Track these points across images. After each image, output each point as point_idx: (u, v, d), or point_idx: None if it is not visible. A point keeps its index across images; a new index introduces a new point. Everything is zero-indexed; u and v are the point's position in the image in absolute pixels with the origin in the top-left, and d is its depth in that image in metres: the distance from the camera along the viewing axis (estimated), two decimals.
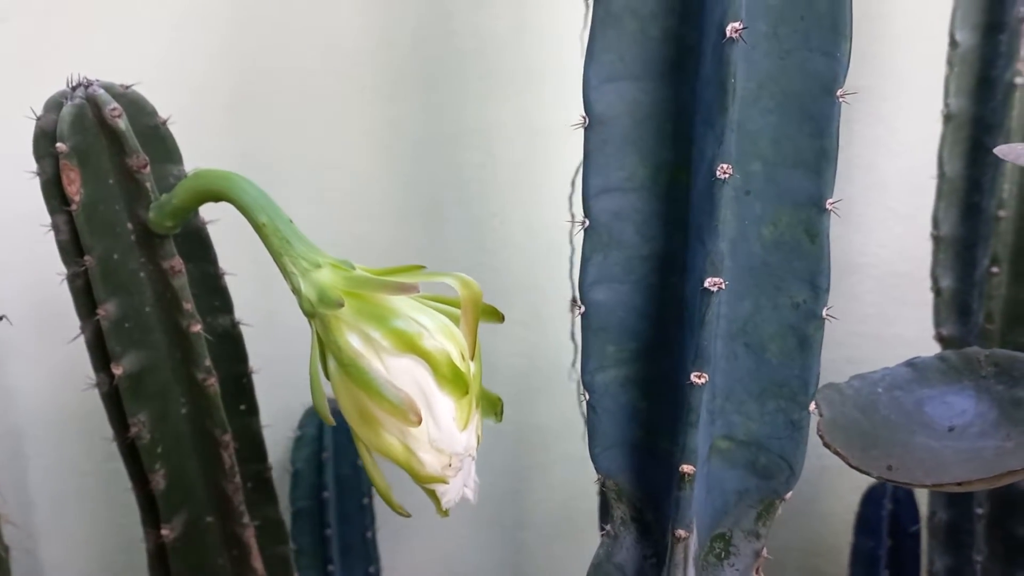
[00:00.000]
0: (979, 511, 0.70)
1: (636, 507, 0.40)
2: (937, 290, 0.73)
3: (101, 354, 0.55)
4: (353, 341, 0.42)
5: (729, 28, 0.31)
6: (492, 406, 0.46)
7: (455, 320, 0.44)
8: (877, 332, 1.00)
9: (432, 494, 0.44)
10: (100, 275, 0.52)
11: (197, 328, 0.55)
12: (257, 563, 0.64)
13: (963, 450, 0.39)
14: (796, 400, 0.37)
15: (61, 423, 0.89)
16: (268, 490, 0.65)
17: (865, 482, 0.85)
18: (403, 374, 0.41)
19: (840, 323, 0.99)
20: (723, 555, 0.40)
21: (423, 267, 0.46)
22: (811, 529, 1.04)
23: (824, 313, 0.37)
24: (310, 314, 0.45)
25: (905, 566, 0.80)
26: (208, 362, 0.56)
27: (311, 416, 0.90)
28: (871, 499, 0.82)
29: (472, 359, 0.44)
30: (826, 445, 0.40)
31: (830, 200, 0.35)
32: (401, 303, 0.43)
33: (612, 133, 0.36)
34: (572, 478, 1.05)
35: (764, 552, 0.40)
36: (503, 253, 0.99)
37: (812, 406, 0.37)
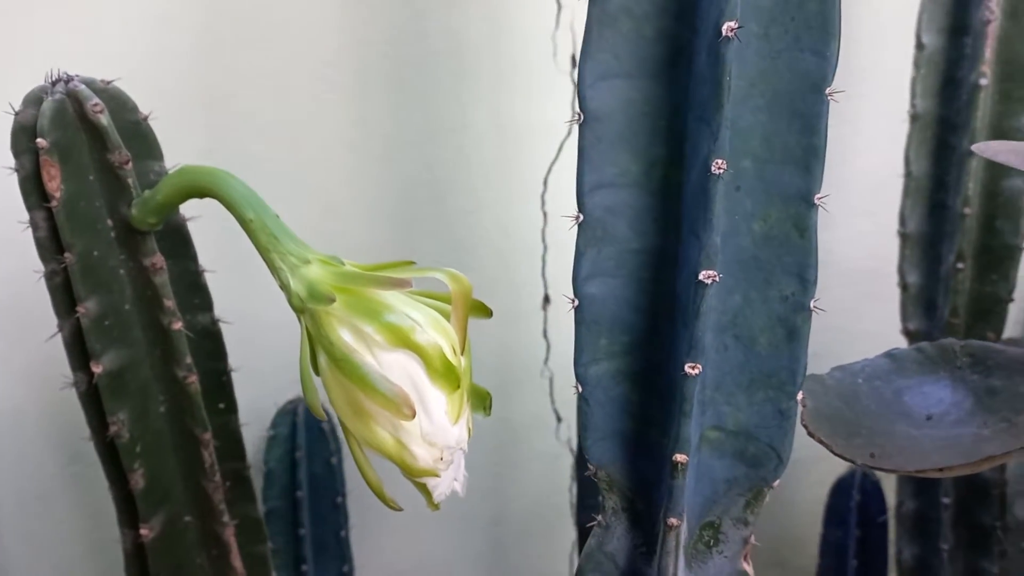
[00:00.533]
0: (946, 500, 0.73)
1: (627, 497, 0.41)
2: (904, 286, 0.75)
3: (80, 353, 0.54)
4: (345, 336, 0.43)
5: (725, 27, 0.32)
6: (481, 400, 0.47)
7: (443, 315, 0.45)
8: (843, 326, 1.02)
9: (423, 488, 0.44)
10: (80, 272, 0.52)
11: (178, 325, 0.55)
12: (237, 562, 0.64)
13: (941, 438, 0.41)
14: (784, 390, 0.38)
15: (24, 425, 0.88)
16: (247, 489, 0.65)
17: (833, 474, 0.87)
18: (396, 368, 0.42)
19: None
20: (712, 543, 0.40)
21: (413, 263, 0.46)
22: (779, 521, 1.05)
23: (812, 305, 0.38)
24: (299, 310, 0.45)
25: (873, 555, 0.82)
26: (189, 360, 0.56)
27: (284, 415, 0.89)
28: (840, 490, 0.83)
29: (462, 353, 0.44)
30: (810, 434, 0.42)
31: (818, 195, 0.36)
32: (392, 298, 0.43)
33: (606, 130, 0.36)
34: (545, 474, 1.05)
35: (752, 539, 0.41)
36: (477, 251, 0.99)
37: (800, 395, 0.38)
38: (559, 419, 1.03)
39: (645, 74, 0.36)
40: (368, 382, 0.41)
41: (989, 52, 0.68)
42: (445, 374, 0.42)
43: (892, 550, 0.80)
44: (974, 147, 0.41)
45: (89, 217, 0.52)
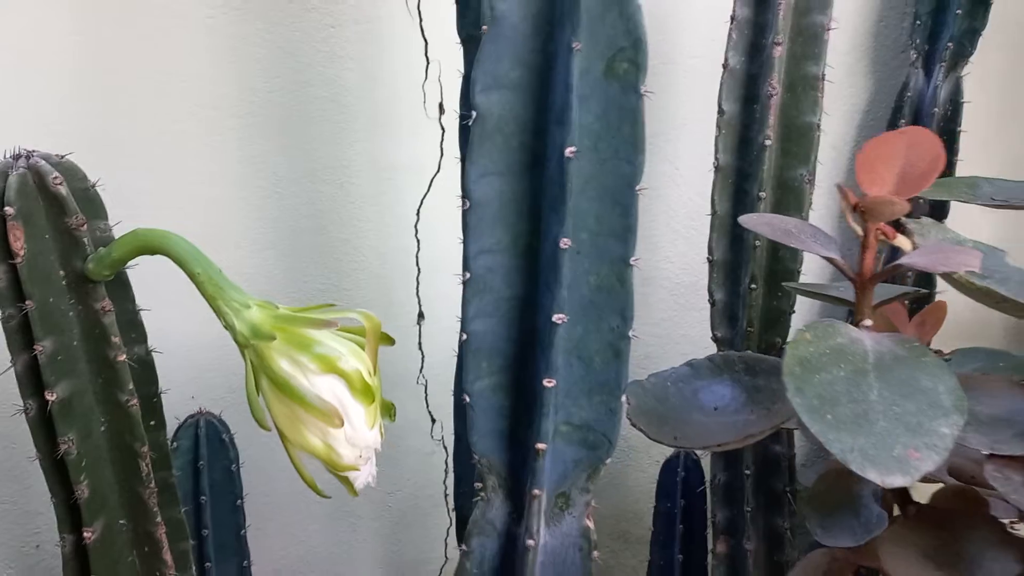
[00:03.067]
0: (747, 472, 0.90)
1: (503, 477, 0.55)
2: (712, 302, 0.92)
3: (32, 383, 0.63)
4: (284, 365, 0.55)
5: (568, 150, 0.47)
6: (387, 410, 0.60)
7: (358, 345, 0.58)
8: (668, 333, 1.20)
9: (345, 480, 0.57)
10: (39, 317, 0.61)
11: (123, 357, 0.65)
12: (167, 556, 0.73)
13: (724, 423, 0.57)
14: (613, 394, 0.53)
15: None
16: (172, 493, 0.75)
17: (662, 456, 1.04)
18: (326, 389, 0.54)
19: (639, 328, 1.18)
20: (564, 507, 0.55)
21: (334, 305, 0.59)
22: (620, 499, 1.22)
23: (631, 333, 0.53)
24: (244, 345, 0.57)
25: (695, 521, 0.99)
26: (131, 386, 0.66)
27: (186, 429, 0.97)
28: (668, 468, 0.99)
29: (374, 375, 0.57)
30: (633, 424, 0.57)
31: (633, 258, 0.52)
32: (319, 334, 0.56)
33: (485, 213, 0.51)
34: (421, 469, 1.17)
35: (592, 502, 0.56)
36: (356, 275, 1.10)
37: (624, 398, 0.53)
38: (433, 420, 1.15)
39: (512, 172, 0.50)
40: (306, 400, 0.53)
41: (772, 118, 0.86)
42: (364, 392, 0.55)
43: (709, 515, 0.98)
44: (740, 220, 0.57)
45: (46, 270, 0.61)
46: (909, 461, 0.42)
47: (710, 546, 0.99)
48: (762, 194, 0.86)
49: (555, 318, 0.50)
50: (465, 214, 0.50)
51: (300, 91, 1.03)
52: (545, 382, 0.50)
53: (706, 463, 0.99)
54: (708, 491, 0.96)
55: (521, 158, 0.50)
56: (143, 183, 0.96)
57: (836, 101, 1.17)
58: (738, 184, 0.90)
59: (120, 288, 0.67)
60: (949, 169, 1.11)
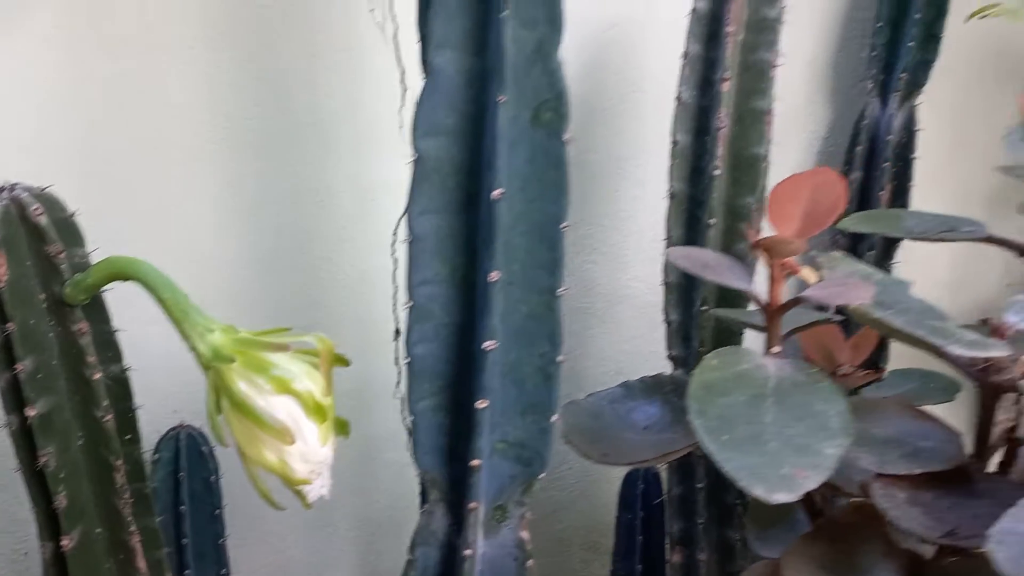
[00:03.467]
0: (700, 486, 0.95)
1: (444, 490, 0.60)
2: (668, 322, 0.97)
3: (14, 400, 0.68)
4: (242, 385, 0.59)
5: (495, 192, 0.52)
6: (341, 428, 0.64)
7: (313, 366, 0.62)
8: (638, 350, 1.24)
9: (299, 493, 0.62)
10: (20, 337, 0.65)
11: (98, 376, 0.69)
12: (141, 563, 0.78)
13: (652, 440, 0.61)
14: (545, 415, 0.58)
15: None
16: (147, 504, 0.79)
17: (625, 469, 1.09)
18: (281, 408, 0.59)
19: (608, 344, 1.22)
20: (501, 519, 0.60)
21: (290, 328, 0.63)
22: (591, 511, 1.26)
23: (559, 359, 0.58)
24: (206, 367, 0.61)
25: (654, 532, 1.03)
26: (107, 402, 0.70)
27: (167, 442, 1.01)
28: (629, 481, 1.03)
29: (328, 395, 0.62)
30: (567, 442, 0.62)
31: (560, 289, 0.56)
32: (276, 357, 0.60)
33: (425, 246, 0.55)
34: (396, 482, 1.21)
35: (527, 514, 0.60)
36: (335, 292, 1.14)
37: (555, 418, 0.58)
38: (409, 434, 1.19)
39: (449, 211, 0.55)
40: (261, 419, 0.58)
41: (721, 149, 0.91)
42: (316, 411, 0.59)
43: (666, 527, 1.02)
44: (665, 253, 0.62)
45: (27, 293, 0.66)
46: (795, 479, 0.46)
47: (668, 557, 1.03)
48: (712, 221, 0.91)
49: (485, 345, 0.54)
50: (408, 248, 0.55)
51: (283, 117, 1.08)
52: (478, 404, 0.55)
53: (664, 476, 1.03)
54: (666, 503, 1.00)
55: (457, 197, 0.55)
56: (122, 205, 1.00)
57: (795, 129, 1.22)
58: (691, 211, 0.94)
59: (97, 310, 0.71)
60: (903, 195, 1.16)
